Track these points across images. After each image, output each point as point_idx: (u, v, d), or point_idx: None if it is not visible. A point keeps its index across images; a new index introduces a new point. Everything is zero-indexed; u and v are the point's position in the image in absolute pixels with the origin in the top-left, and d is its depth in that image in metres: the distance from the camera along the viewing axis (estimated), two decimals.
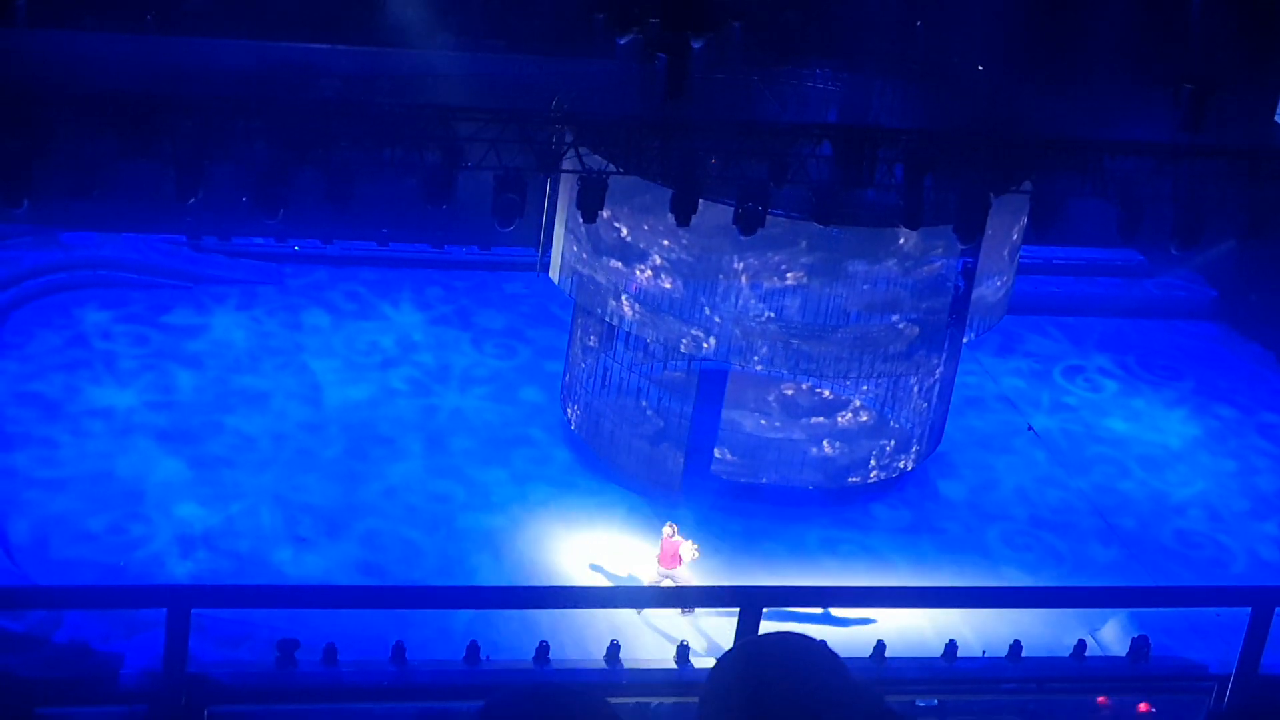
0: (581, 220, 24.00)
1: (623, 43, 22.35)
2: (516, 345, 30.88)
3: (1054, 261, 34.30)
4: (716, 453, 26.73)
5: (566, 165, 23.42)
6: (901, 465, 27.54)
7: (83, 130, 20.96)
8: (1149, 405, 31.41)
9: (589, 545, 25.35)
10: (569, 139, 23.38)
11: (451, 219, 27.59)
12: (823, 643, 7.05)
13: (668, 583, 23.76)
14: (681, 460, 26.53)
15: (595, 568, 24.75)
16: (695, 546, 23.95)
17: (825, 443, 27.38)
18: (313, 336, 30.32)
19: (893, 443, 27.53)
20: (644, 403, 26.87)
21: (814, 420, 27.59)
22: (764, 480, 26.86)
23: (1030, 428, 30.02)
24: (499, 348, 30.76)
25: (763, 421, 27.33)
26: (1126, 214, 23.85)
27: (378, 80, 29.86)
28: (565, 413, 28.06)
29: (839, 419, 27.86)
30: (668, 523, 24.35)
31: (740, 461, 26.90)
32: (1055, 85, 26.69)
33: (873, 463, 27.35)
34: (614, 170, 23.29)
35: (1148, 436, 30.36)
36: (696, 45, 21.45)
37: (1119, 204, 23.81)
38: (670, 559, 23.89)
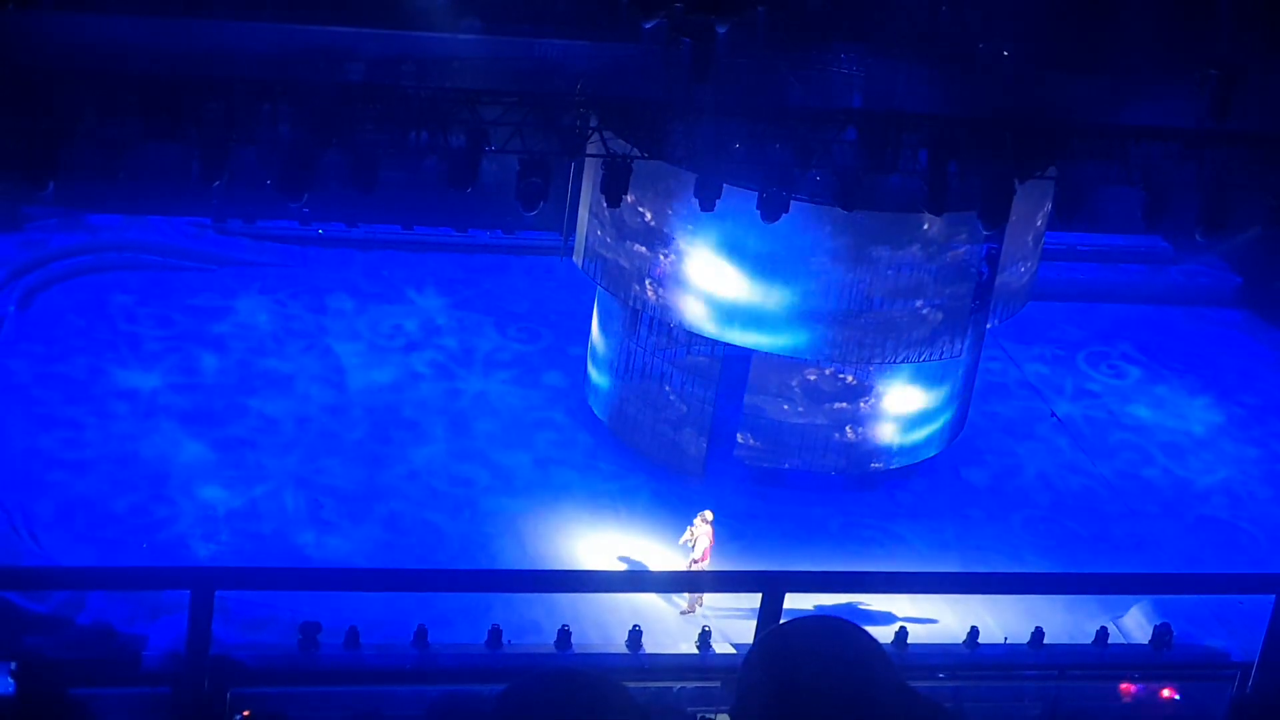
0: (605, 204, 23.99)
1: (648, 27, 22.27)
2: (540, 329, 30.90)
3: (1078, 248, 34.20)
4: (740, 438, 26.72)
5: (591, 149, 23.43)
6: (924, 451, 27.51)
7: (108, 113, 21.00)
8: (1172, 392, 31.33)
9: (612, 530, 25.36)
10: (593, 123, 23.36)
11: (475, 203, 27.59)
12: (863, 629, 7.06)
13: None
14: (704, 445, 26.53)
15: (624, 559, 24.71)
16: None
17: (848, 428, 27.34)
18: (336, 320, 30.37)
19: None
20: (667, 388, 26.85)
21: (837, 406, 27.53)
22: (787, 466, 26.86)
23: (1053, 414, 29.95)
24: (522, 332, 30.78)
25: (786, 407, 27.27)
26: (1152, 200, 23.80)
27: (402, 64, 29.82)
28: (588, 397, 28.07)
29: (862, 404, 27.79)
30: (705, 511, 23.93)
31: (763, 447, 26.88)
32: (1080, 71, 26.54)
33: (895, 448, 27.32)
34: (638, 155, 23.28)
35: (1171, 423, 30.29)
36: (721, 30, 21.36)
37: (1144, 190, 23.75)
38: (707, 549, 23.47)
